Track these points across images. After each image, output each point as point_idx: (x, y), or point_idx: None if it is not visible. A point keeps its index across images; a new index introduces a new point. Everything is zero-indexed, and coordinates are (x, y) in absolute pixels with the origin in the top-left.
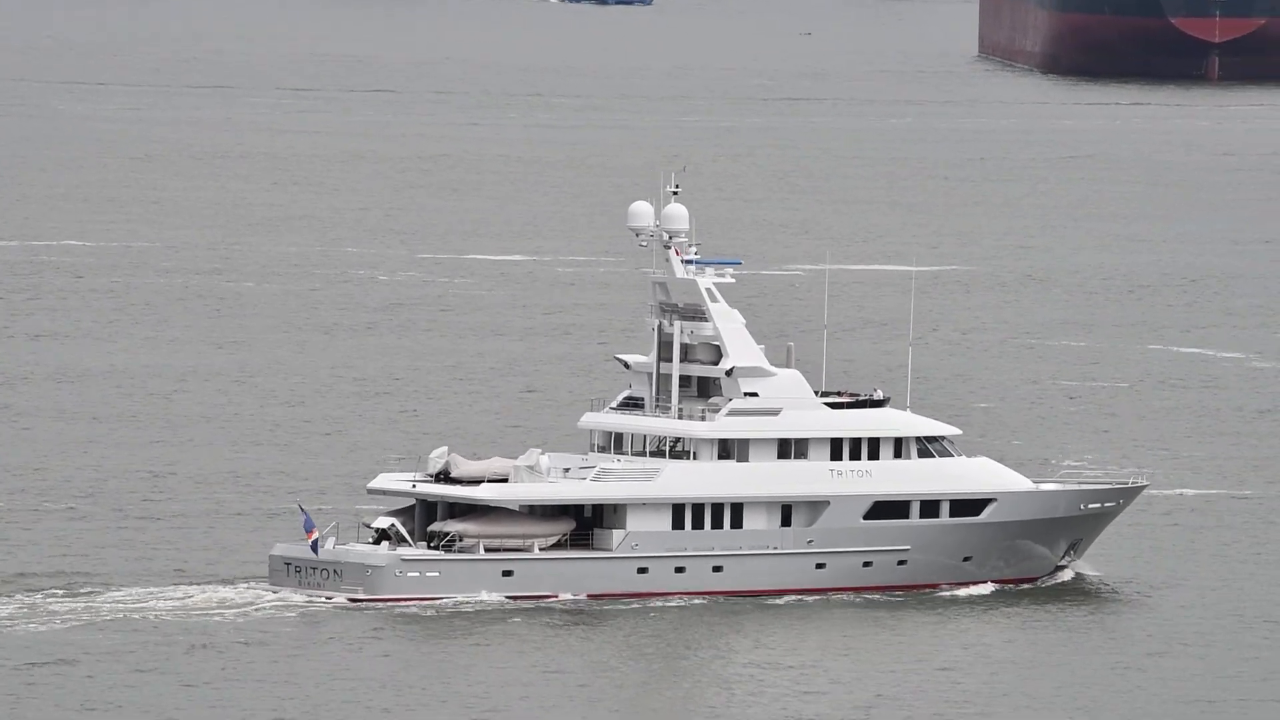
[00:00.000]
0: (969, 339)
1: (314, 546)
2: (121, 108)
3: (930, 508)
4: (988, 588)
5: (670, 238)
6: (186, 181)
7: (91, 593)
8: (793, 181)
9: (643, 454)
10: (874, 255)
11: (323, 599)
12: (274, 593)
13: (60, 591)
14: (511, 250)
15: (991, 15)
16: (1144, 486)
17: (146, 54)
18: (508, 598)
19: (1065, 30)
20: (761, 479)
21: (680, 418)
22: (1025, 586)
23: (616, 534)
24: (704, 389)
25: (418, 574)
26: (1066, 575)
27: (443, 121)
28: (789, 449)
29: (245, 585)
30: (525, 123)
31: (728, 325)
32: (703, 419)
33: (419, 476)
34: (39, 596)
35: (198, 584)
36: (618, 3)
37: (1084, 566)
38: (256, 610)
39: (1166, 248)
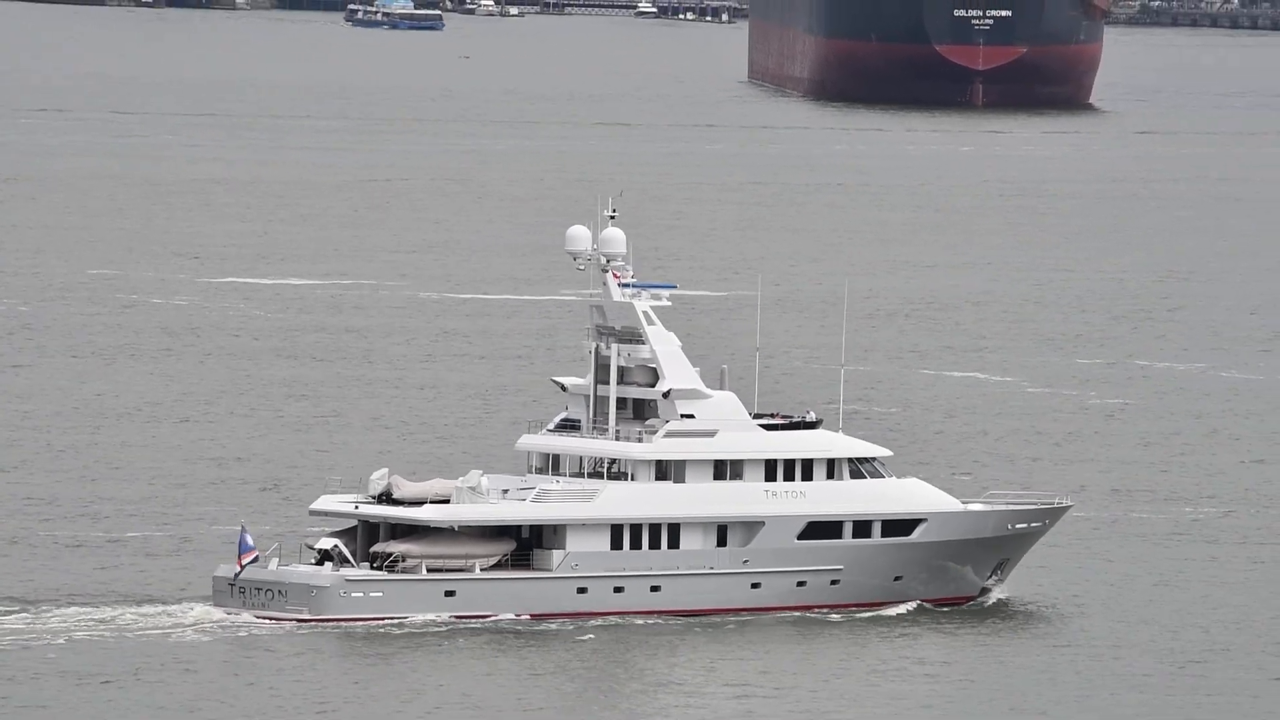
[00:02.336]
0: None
1: (237, 574)
2: None
3: (862, 528)
4: (917, 607)
5: (607, 261)
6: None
7: (30, 614)
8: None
9: (580, 475)
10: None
11: (267, 619)
12: (222, 613)
13: None
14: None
15: (760, 40)
16: (1069, 507)
17: None
18: (451, 617)
19: (832, 56)
20: (698, 500)
21: (617, 439)
22: (955, 607)
23: (556, 554)
24: (640, 411)
25: (362, 594)
26: (994, 595)
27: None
28: (725, 470)
29: (189, 605)
30: (307, 145)
31: (664, 348)
32: (640, 440)
33: (361, 498)
34: None
35: (139, 604)
36: (410, 26)
37: (1009, 587)
38: (199, 631)
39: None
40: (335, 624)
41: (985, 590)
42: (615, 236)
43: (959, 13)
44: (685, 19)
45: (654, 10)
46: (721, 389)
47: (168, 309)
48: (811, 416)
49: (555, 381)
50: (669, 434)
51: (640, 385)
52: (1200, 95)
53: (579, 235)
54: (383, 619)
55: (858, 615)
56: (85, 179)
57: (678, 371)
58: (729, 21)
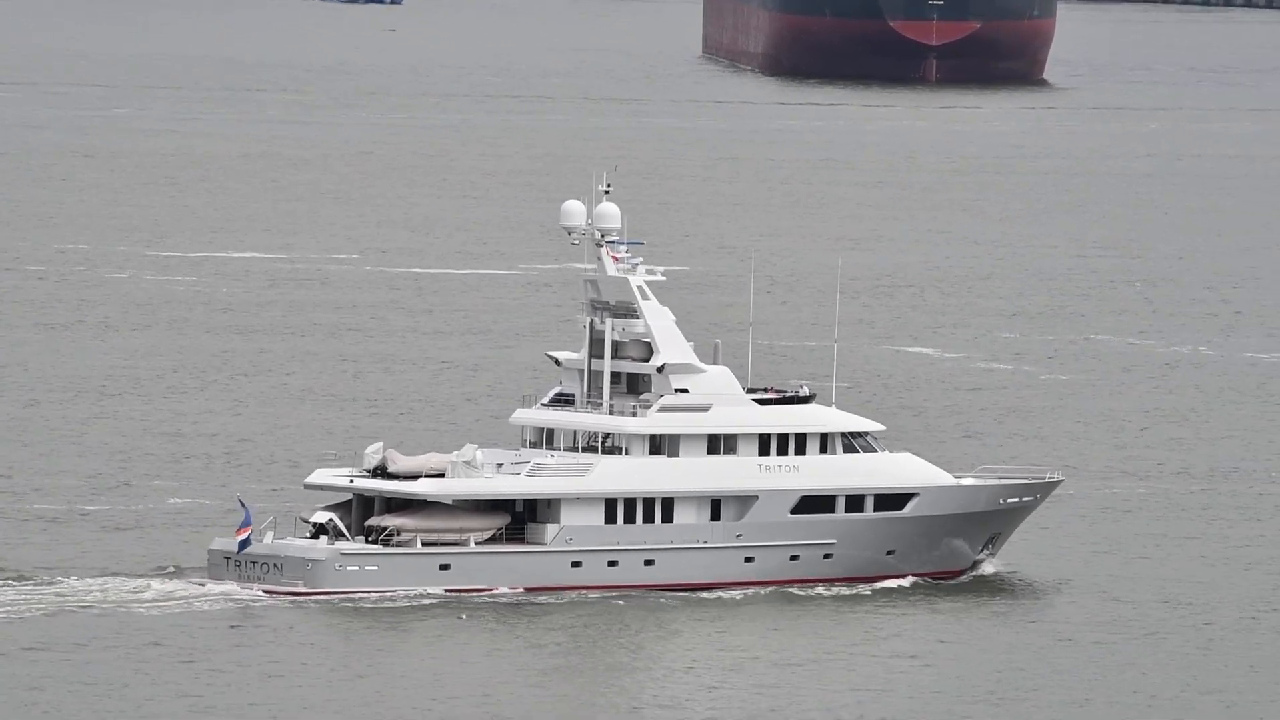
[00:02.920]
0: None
1: (242, 545)
2: None
3: (855, 502)
4: (909, 580)
5: (602, 236)
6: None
7: (28, 585)
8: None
9: (574, 449)
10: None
11: (262, 592)
12: (214, 586)
13: None
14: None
15: (715, 16)
16: (1059, 481)
17: None
18: (445, 591)
19: (786, 31)
20: (692, 474)
21: (611, 414)
22: (947, 580)
23: (551, 528)
24: (633, 385)
25: (357, 568)
26: (985, 569)
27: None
28: (718, 444)
29: (184, 579)
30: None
31: (659, 322)
32: (634, 415)
33: (355, 472)
34: None
35: (135, 577)
36: (367, 1)
37: (1001, 560)
38: (192, 604)
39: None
40: (331, 597)
41: (977, 564)
42: (610, 211)
43: None
44: None
45: None
46: (715, 364)
47: (158, 283)
48: (805, 391)
49: (549, 356)
50: (663, 408)
51: (634, 360)
52: (1153, 70)
53: (573, 210)
54: (378, 592)
55: (850, 589)
56: (57, 154)
57: (672, 346)
58: None
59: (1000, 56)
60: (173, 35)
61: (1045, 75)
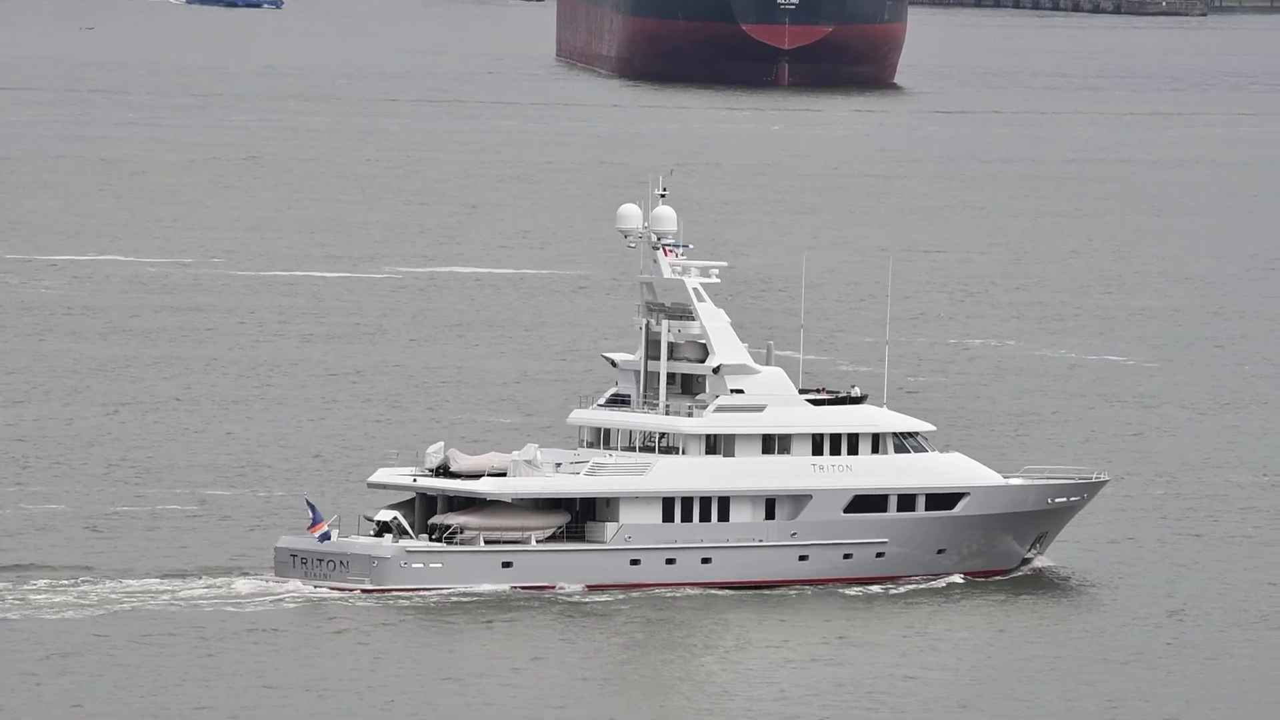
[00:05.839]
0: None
1: (323, 538)
2: None
3: (907, 501)
4: (960, 579)
5: (658, 239)
6: None
7: (95, 585)
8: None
9: (630, 449)
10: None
11: (328, 589)
12: (280, 584)
13: (60, 583)
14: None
15: (569, 19)
16: (1106, 481)
17: None
18: (509, 588)
19: (639, 35)
20: (747, 473)
21: (667, 414)
22: (996, 579)
23: (610, 526)
24: (687, 386)
25: (422, 565)
26: (1034, 567)
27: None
28: (773, 444)
29: (251, 577)
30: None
31: (714, 324)
32: (690, 415)
33: (418, 471)
34: (29, 588)
35: (202, 576)
36: (248, 4)
37: (1049, 558)
38: (264, 601)
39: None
40: (397, 594)
41: (1025, 562)
42: (666, 214)
43: None
44: None
45: None
46: (768, 364)
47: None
48: (856, 392)
49: (605, 357)
50: (719, 409)
51: (690, 360)
52: (1002, 75)
53: (630, 214)
54: (442, 589)
55: (901, 587)
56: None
57: (727, 347)
58: (538, 0)
59: (851, 61)
60: (45, 40)
61: (896, 79)
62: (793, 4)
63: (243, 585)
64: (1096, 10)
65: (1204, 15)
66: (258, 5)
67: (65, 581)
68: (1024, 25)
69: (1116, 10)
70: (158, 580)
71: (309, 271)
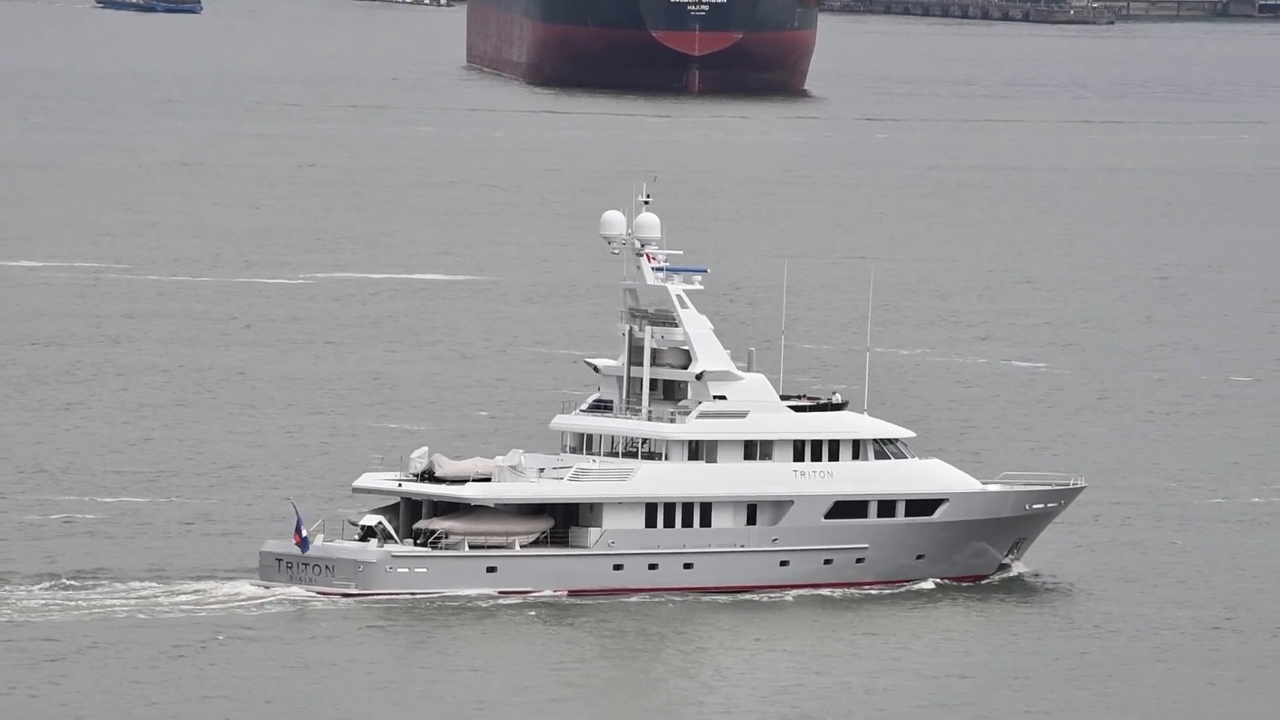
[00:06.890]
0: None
1: (303, 545)
2: None
3: (887, 507)
4: (938, 585)
5: (642, 245)
6: None
7: (78, 589)
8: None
9: (613, 454)
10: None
11: (314, 594)
12: (265, 588)
13: (44, 588)
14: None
15: (479, 24)
16: (1083, 488)
17: None
18: (494, 593)
19: (550, 41)
20: (729, 479)
21: (649, 420)
22: (973, 584)
23: (593, 531)
24: (670, 392)
25: (407, 570)
26: (1011, 573)
27: None
28: (755, 450)
29: (236, 581)
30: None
31: (697, 330)
32: (673, 421)
33: (402, 476)
34: (21, 593)
35: (187, 580)
36: (166, 10)
37: (1026, 564)
38: (247, 606)
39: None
40: (381, 598)
41: (1003, 567)
42: (649, 221)
43: None
44: (403, 2)
45: None
46: (749, 371)
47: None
48: (838, 398)
49: (588, 363)
50: (701, 415)
51: (673, 367)
52: (912, 83)
53: (614, 220)
54: (427, 594)
55: (880, 592)
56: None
57: (710, 354)
58: (447, 5)
59: (761, 67)
60: None
61: (806, 86)
62: (703, 10)
63: (228, 589)
64: (1006, 18)
65: (1111, 24)
66: (177, 10)
67: (43, 588)
68: (935, 33)
69: (1025, 18)
70: (142, 584)
71: (289, 279)
